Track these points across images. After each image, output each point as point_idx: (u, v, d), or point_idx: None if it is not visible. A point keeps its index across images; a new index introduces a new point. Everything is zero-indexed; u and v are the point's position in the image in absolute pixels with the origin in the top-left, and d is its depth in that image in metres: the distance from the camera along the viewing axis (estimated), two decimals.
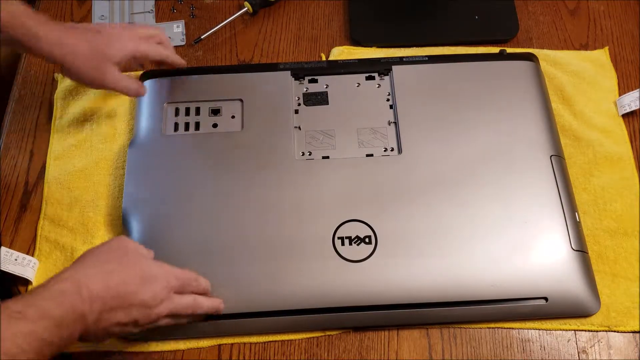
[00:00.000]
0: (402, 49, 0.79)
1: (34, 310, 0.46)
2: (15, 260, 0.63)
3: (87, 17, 0.83)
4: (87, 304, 0.48)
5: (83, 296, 0.48)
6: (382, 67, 0.73)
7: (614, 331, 0.61)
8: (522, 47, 0.79)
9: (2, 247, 0.63)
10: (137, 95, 0.69)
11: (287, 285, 0.60)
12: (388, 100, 0.71)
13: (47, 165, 0.71)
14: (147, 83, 0.73)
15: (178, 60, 0.71)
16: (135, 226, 0.64)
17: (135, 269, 0.53)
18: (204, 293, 0.57)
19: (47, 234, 0.67)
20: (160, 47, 0.69)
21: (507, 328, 0.62)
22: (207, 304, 0.57)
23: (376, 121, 0.70)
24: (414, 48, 0.79)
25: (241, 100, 0.71)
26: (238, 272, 0.61)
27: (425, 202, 0.64)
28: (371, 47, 0.79)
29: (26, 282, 0.64)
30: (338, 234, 0.62)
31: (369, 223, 0.63)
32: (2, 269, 0.62)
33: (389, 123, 0.70)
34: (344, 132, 0.69)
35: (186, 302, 0.55)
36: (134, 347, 0.61)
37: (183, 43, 0.81)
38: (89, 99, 0.75)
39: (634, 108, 0.72)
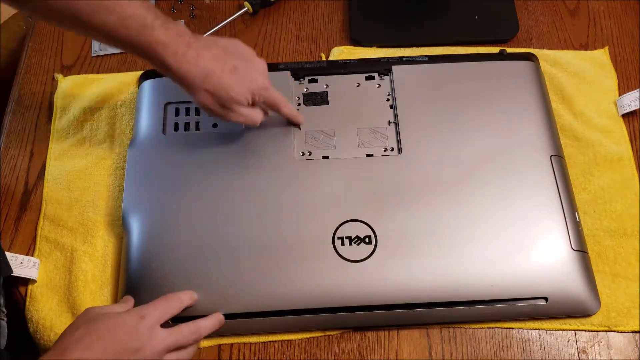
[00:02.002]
0: (402, 49, 0.79)
1: None
2: (21, 263, 0.63)
3: None
4: None
5: None
6: (382, 67, 0.73)
7: (614, 331, 0.61)
8: (522, 47, 0.79)
9: (7, 253, 0.63)
10: (256, 124, 0.65)
11: (287, 285, 0.60)
12: (388, 100, 0.71)
13: (47, 165, 0.71)
14: (147, 83, 0.73)
15: (296, 115, 0.68)
16: (135, 226, 0.64)
17: (120, 344, 0.51)
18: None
19: (47, 234, 0.67)
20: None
21: (507, 328, 0.62)
22: (208, 328, 0.57)
23: (376, 121, 0.70)
24: (414, 48, 0.79)
25: None
26: (238, 272, 0.61)
27: (425, 202, 0.64)
28: (371, 47, 0.79)
29: (26, 281, 0.64)
30: (338, 234, 0.62)
31: (369, 223, 0.63)
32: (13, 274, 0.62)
33: (389, 123, 0.70)
34: (344, 132, 0.69)
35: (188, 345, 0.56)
36: None
37: None
38: (89, 99, 0.75)
39: (634, 108, 0.72)
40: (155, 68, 0.59)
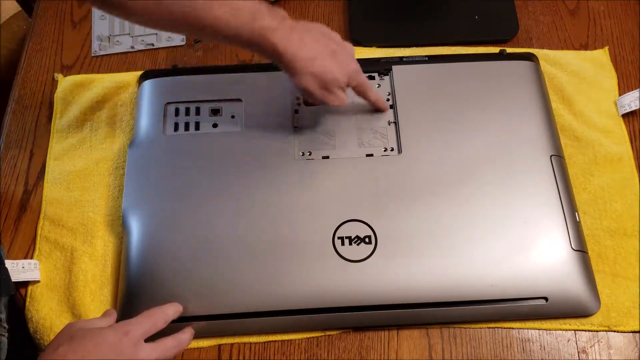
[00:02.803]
0: (402, 49, 0.79)
1: None
2: (23, 268, 0.63)
3: (87, 17, 0.83)
4: None
5: None
6: (382, 67, 0.73)
7: (614, 331, 0.61)
8: (522, 47, 0.79)
9: (7, 261, 0.63)
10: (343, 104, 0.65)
11: (287, 285, 0.60)
12: (388, 100, 0.71)
13: (47, 165, 0.71)
14: (147, 83, 0.73)
15: (382, 101, 0.70)
16: (135, 226, 0.64)
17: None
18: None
19: (47, 234, 0.67)
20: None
21: (507, 328, 0.62)
22: (189, 341, 0.58)
23: (376, 121, 0.70)
24: (414, 48, 0.79)
25: (241, 100, 0.71)
26: (238, 271, 0.61)
27: (425, 202, 0.64)
28: (371, 47, 0.79)
29: (25, 282, 0.64)
30: (338, 234, 0.62)
31: (368, 223, 0.63)
32: (14, 280, 0.62)
33: (389, 123, 0.70)
34: (344, 132, 0.69)
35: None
36: None
37: (183, 43, 0.81)
38: (89, 99, 0.75)
39: (634, 108, 0.72)
40: (262, 54, 0.59)
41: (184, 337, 0.57)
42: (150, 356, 0.53)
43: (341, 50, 0.62)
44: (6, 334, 0.61)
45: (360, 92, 0.67)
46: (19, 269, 0.63)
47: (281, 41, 0.57)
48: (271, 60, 0.60)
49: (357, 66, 0.64)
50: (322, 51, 0.60)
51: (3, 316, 0.61)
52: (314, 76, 0.60)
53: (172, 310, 0.58)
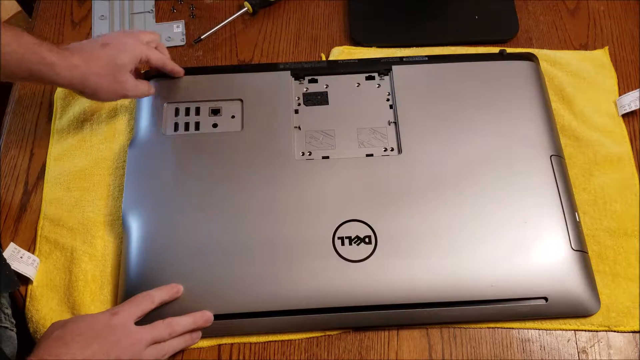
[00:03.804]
0: (402, 49, 0.79)
1: None
2: (21, 258, 0.63)
3: (87, 17, 0.83)
4: None
5: None
6: (382, 67, 0.73)
7: (614, 331, 0.61)
8: (522, 47, 0.79)
9: (11, 244, 0.63)
10: (149, 95, 0.70)
11: (287, 285, 0.60)
12: (388, 100, 0.71)
13: (47, 165, 0.71)
14: None
15: (176, 68, 0.72)
16: (135, 226, 0.64)
17: (99, 338, 0.53)
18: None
19: (47, 234, 0.67)
20: (158, 52, 0.70)
21: (507, 328, 0.62)
22: (183, 324, 0.58)
23: (376, 121, 0.70)
24: (414, 48, 0.79)
25: (241, 100, 0.71)
26: (238, 272, 0.61)
27: (425, 202, 0.64)
28: (371, 47, 0.79)
29: (26, 280, 0.64)
30: (338, 234, 0.62)
31: (368, 223, 0.63)
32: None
33: (389, 123, 0.70)
34: (344, 132, 0.69)
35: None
36: None
37: (183, 43, 0.81)
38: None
39: (634, 108, 0.72)
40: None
41: (177, 320, 0.58)
42: (140, 334, 0.55)
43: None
44: (14, 329, 0.61)
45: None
46: (16, 257, 0.63)
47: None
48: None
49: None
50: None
51: (9, 311, 0.61)
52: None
53: (161, 293, 0.59)
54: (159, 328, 0.56)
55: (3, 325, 0.60)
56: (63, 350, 0.51)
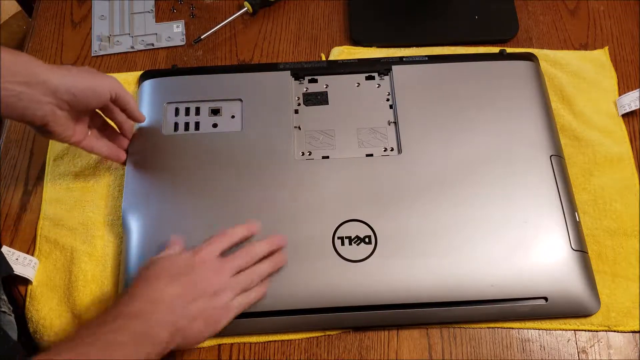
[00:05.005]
0: (402, 49, 0.79)
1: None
2: (17, 259, 0.63)
3: (87, 17, 0.83)
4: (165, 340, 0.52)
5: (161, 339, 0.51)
6: (382, 67, 0.73)
7: (614, 331, 0.61)
8: (522, 47, 0.79)
9: (4, 247, 0.63)
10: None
11: (287, 285, 0.60)
12: (388, 100, 0.72)
13: (47, 165, 0.71)
14: (147, 83, 0.73)
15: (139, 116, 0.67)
16: (135, 226, 0.64)
17: (186, 276, 0.55)
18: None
19: (47, 234, 0.67)
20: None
21: (507, 328, 0.62)
22: (261, 247, 0.60)
23: (376, 121, 0.70)
24: (414, 48, 0.79)
25: (241, 100, 0.71)
26: None
27: (425, 202, 0.64)
28: (371, 47, 0.79)
29: (26, 281, 0.64)
30: (338, 234, 0.62)
31: (368, 223, 0.63)
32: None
33: (389, 123, 0.70)
34: (344, 132, 0.69)
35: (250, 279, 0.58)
36: None
37: (183, 43, 0.81)
38: None
39: (633, 108, 0.72)
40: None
41: (256, 243, 0.59)
42: (223, 263, 0.57)
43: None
44: (12, 315, 0.61)
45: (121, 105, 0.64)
46: (11, 259, 0.63)
47: None
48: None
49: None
50: None
51: (4, 297, 0.61)
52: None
53: (241, 229, 0.60)
54: (239, 256, 0.58)
55: (1, 310, 0.60)
56: (153, 286, 0.53)
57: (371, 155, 0.68)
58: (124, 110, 0.64)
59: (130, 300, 0.52)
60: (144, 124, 0.70)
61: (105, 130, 0.67)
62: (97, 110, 0.64)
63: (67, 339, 0.49)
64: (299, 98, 0.72)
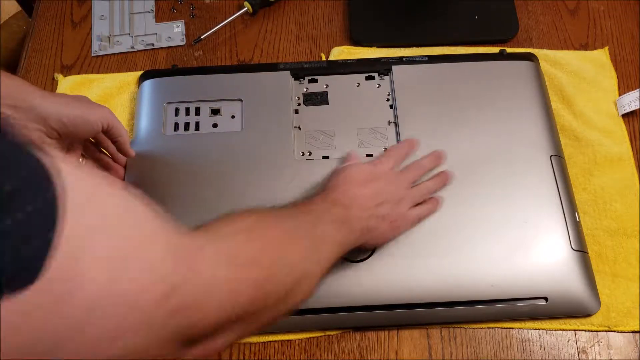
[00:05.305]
0: (402, 49, 0.79)
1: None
2: None
3: (87, 17, 0.83)
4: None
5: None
6: (382, 67, 0.73)
7: (614, 331, 0.61)
8: (522, 47, 0.79)
9: None
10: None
11: None
12: (388, 100, 0.71)
13: None
14: (147, 83, 0.73)
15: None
16: None
17: (369, 184, 0.58)
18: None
19: None
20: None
21: (507, 328, 0.62)
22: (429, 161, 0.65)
23: (376, 121, 0.70)
24: (414, 48, 0.79)
25: (241, 100, 0.71)
26: None
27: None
28: (371, 47, 0.79)
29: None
30: None
31: None
32: None
33: (389, 123, 0.70)
34: (344, 132, 0.69)
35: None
36: None
37: (183, 43, 0.81)
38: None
39: (634, 108, 0.72)
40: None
41: (426, 165, 0.64)
42: (401, 175, 0.62)
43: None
44: None
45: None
46: None
47: None
48: None
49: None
50: None
51: None
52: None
53: (407, 145, 0.65)
54: (412, 170, 0.63)
55: None
56: (347, 187, 0.57)
57: (371, 155, 0.68)
58: (115, 142, 0.63)
59: (331, 193, 0.56)
60: (144, 124, 0.70)
61: (100, 161, 0.65)
62: (91, 139, 0.63)
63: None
64: (299, 98, 0.72)
